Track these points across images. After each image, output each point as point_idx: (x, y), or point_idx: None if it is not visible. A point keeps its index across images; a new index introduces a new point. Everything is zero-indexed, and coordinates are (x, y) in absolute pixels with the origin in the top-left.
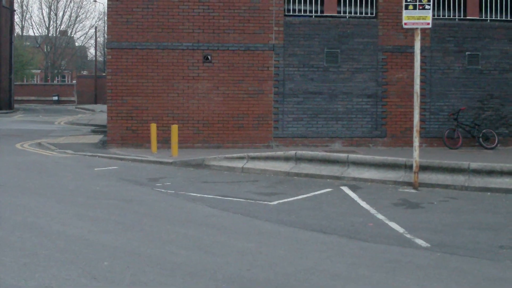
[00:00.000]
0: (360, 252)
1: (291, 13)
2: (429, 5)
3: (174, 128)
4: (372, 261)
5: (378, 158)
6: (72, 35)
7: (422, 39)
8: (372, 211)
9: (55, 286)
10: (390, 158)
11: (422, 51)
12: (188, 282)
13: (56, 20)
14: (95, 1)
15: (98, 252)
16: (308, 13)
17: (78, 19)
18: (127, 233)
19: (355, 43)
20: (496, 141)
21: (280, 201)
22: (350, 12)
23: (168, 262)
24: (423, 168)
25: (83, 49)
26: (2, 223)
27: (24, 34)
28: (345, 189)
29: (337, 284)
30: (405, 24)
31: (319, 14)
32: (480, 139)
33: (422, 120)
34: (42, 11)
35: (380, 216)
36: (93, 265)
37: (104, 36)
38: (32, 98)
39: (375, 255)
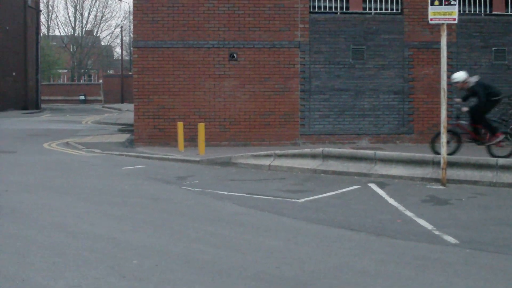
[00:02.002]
0: (388, 249)
1: (316, 10)
2: (455, 0)
3: (201, 127)
4: (400, 258)
5: (405, 154)
6: (98, 35)
7: (448, 34)
8: (400, 208)
9: (85, 285)
10: (417, 155)
11: (448, 46)
12: (217, 280)
13: (82, 19)
14: (120, 0)
15: (126, 250)
16: (333, 10)
17: (103, 18)
18: (155, 232)
19: (381, 40)
20: None
21: (308, 198)
22: (375, 9)
23: (196, 260)
24: (451, 164)
25: (109, 48)
26: (31, 222)
27: (50, 34)
28: (373, 186)
29: (366, 281)
30: (431, 19)
31: (344, 10)
32: (508, 135)
33: (449, 116)
34: (67, 11)
35: (408, 213)
36: (121, 264)
37: (129, 35)
38: (59, 98)
39: (403, 252)
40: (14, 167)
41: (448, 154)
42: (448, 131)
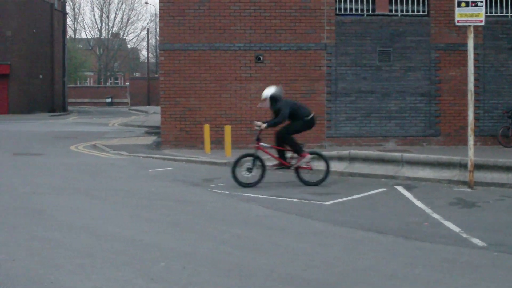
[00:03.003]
0: (416, 252)
1: (342, 12)
2: (482, 2)
3: (227, 129)
4: (428, 261)
5: (432, 157)
6: (124, 37)
7: (475, 36)
8: (428, 210)
9: None
10: (444, 157)
11: (475, 48)
12: (244, 282)
13: (108, 22)
14: (146, 3)
15: (153, 253)
16: (359, 12)
17: (130, 21)
18: (182, 234)
19: (408, 42)
20: None
21: (335, 201)
22: (402, 10)
23: (224, 263)
24: (478, 166)
25: (135, 51)
26: (58, 224)
27: (77, 36)
28: (400, 189)
29: (394, 284)
30: (458, 21)
31: (370, 12)
32: (316, 155)
33: (476, 118)
34: (94, 14)
35: (435, 216)
36: (149, 266)
37: (156, 38)
38: (86, 100)
39: (431, 255)
40: (41, 169)
41: (249, 185)
42: (250, 155)
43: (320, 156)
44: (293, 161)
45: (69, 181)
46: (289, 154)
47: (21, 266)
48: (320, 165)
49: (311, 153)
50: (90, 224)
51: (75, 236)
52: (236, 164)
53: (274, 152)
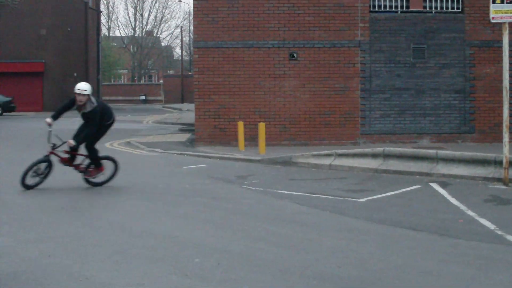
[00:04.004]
0: (450, 249)
1: (376, 9)
2: None
3: (261, 126)
4: (463, 258)
5: (467, 154)
6: (158, 35)
7: (510, 33)
8: (462, 207)
9: (147, 284)
10: (479, 154)
11: (510, 45)
12: (278, 278)
13: (142, 20)
14: (180, 1)
15: (188, 249)
16: (393, 9)
17: (163, 19)
18: (217, 230)
19: (442, 38)
20: None
21: (369, 198)
22: (436, 7)
23: (258, 259)
24: None
25: (169, 49)
26: (93, 221)
27: (111, 35)
28: (435, 186)
29: (429, 281)
30: (493, 18)
31: (404, 9)
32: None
33: (511, 116)
34: (127, 12)
35: (470, 213)
36: (183, 263)
37: (189, 36)
38: (120, 98)
39: (466, 252)
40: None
41: (32, 187)
42: (44, 161)
43: (112, 161)
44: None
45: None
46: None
47: (57, 262)
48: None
49: (103, 158)
50: (125, 220)
51: (110, 232)
52: (27, 171)
53: (66, 156)
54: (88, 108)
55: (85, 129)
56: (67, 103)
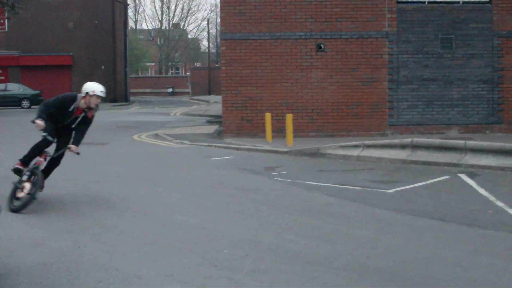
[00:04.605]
0: (479, 239)
1: (403, 0)
2: None
3: (289, 117)
4: (492, 249)
5: (496, 144)
6: (184, 28)
7: None
8: (491, 198)
9: (176, 274)
10: (508, 145)
11: None
12: (307, 269)
13: (169, 13)
14: None
15: (216, 240)
16: (421, 0)
17: (190, 11)
18: (245, 222)
19: (470, 29)
20: None
21: (397, 189)
22: None
23: (287, 250)
24: None
25: (195, 41)
26: (122, 212)
27: (138, 28)
28: (463, 176)
29: (458, 272)
30: None
31: (432, 0)
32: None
33: None
34: (154, 5)
35: (499, 203)
36: (212, 254)
37: (216, 28)
38: (147, 90)
39: (495, 243)
40: (105, 158)
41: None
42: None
43: None
44: None
45: (132, 170)
46: None
47: (87, 253)
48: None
49: None
50: (155, 212)
51: (140, 224)
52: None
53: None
54: (94, 111)
55: (78, 132)
56: (60, 104)
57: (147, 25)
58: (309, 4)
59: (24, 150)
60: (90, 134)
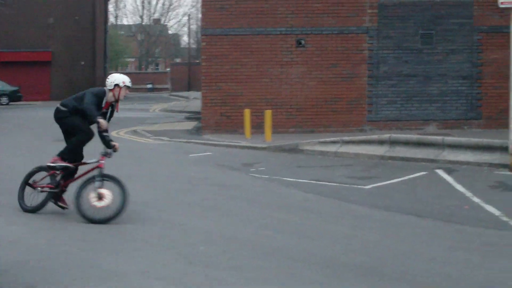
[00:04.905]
0: (456, 235)
1: None
2: None
3: (268, 113)
4: (468, 244)
5: (473, 140)
6: (165, 23)
7: None
8: (468, 194)
9: (153, 271)
10: (485, 140)
11: None
12: (284, 265)
13: (150, 8)
14: None
15: (194, 237)
16: None
17: (171, 7)
18: (223, 218)
19: (450, 24)
20: None
21: (375, 185)
22: None
23: (264, 246)
24: None
25: (176, 37)
26: None
27: (118, 23)
28: (440, 172)
29: (434, 268)
30: (502, 3)
31: None
32: None
33: None
34: (135, 0)
35: (475, 199)
36: (189, 250)
37: (197, 24)
38: None
39: (471, 238)
40: (84, 154)
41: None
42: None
43: None
44: None
45: (110, 167)
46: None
47: (63, 251)
48: None
49: None
50: (132, 209)
51: (117, 220)
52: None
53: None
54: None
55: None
56: (99, 101)
57: (127, 21)
58: None
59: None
60: None
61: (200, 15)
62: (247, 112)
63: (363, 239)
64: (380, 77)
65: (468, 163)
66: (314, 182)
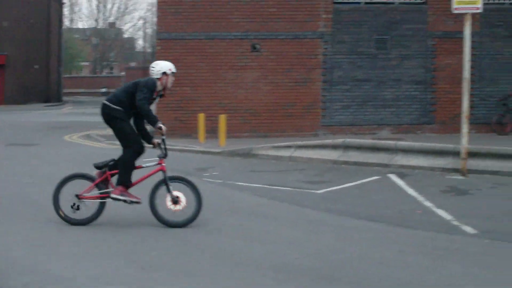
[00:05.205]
0: (407, 239)
1: (340, 1)
2: None
3: (222, 118)
4: (419, 249)
5: (426, 145)
6: (120, 27)
7: (472, 24)
8: (420, 198)
9: (104, 277)
10: (438, 145)
11: (471, 36)
12: (235, 270)
13: (105, 12)
14: None
15: (144, 242)
16: (357, 0)
17: (127, 10)
18: None
19: (405, 30)
20: None
21: (328, 189)
22: None
23: (216, 251)
24: (472, 154)
25: (131, 40)
26: (54, 214)
27: (74, 27)
28: (393, 177)
29: (386, 272)
30: (456, 9)
31: (368, 0)
32: None
33: (471, 106)
34: (91, 4)
35: (427, 203)
36: (140, 255)
37: (152, 28)
38: (81, 90)
39: (422, 243)
40: (37, 159)
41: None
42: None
43: None
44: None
45: (62, 171)
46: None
47: (14, 256)
48: None
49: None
50: None
51: (66, 225)
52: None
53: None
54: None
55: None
56: (151, 95)
57: (83, 24)
58: (245, 4)
59: None
60: (22, 134)
61: (155, 19)
62: (201, 117)
63: (315, 244)
64: (334, 82)
65: (421, 167)
66: (268, 186)
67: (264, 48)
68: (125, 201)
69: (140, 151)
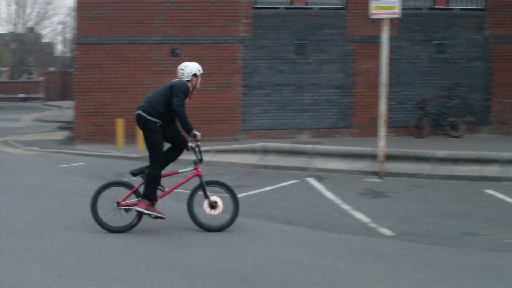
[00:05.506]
0: (324, 242)
1: (260, 6)
2: None
3: None
4: (336, 251)
5: (344, 148)
6: (40, 32)
7: (390, 28)
8: (337, 201)
9: (19, 285)
10: (356, 148)
11: (390, 41)
12: (151, 274)
13: (24, 16)
14: None
15: (62, 249)
16: (277, 5)
17: (46, 15)
18: (92, 228)
19: (324, 34)
20: (462, 129)
21: (246, 193)
22: (320, 4)
23: (132, 255)
24: (389, 157)
25: (50, 45)
26: None
27: None
28: (311, 180)
29: (302, 274)
30: (374, 14)
31: (288, 6)
32: (447, 128)
33: (389, 110)
34: (9, 8)
35: (345, 206)
36: (56, 262)
37: (72, 32)
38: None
39: (339, 245)
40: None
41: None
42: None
43: None
44: None
45: None
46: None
47: None
48: None
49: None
50: None
51: None
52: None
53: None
54: None
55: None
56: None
57: (1, 29)
58: (165, 9)
59: None
60: None
61: (74, 24)
62: (119, 122)
63: (233, 248)
64: (254, 87)
65: (340, 171)
66: (185, 191)
67: (184, 53)
68: (149, 215)
69: (164, 163)
